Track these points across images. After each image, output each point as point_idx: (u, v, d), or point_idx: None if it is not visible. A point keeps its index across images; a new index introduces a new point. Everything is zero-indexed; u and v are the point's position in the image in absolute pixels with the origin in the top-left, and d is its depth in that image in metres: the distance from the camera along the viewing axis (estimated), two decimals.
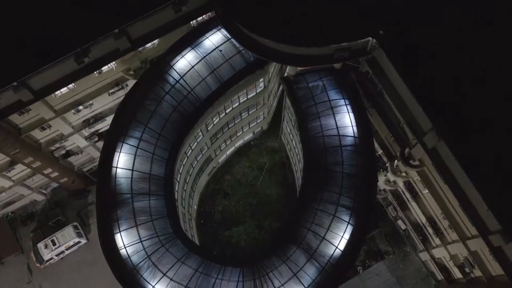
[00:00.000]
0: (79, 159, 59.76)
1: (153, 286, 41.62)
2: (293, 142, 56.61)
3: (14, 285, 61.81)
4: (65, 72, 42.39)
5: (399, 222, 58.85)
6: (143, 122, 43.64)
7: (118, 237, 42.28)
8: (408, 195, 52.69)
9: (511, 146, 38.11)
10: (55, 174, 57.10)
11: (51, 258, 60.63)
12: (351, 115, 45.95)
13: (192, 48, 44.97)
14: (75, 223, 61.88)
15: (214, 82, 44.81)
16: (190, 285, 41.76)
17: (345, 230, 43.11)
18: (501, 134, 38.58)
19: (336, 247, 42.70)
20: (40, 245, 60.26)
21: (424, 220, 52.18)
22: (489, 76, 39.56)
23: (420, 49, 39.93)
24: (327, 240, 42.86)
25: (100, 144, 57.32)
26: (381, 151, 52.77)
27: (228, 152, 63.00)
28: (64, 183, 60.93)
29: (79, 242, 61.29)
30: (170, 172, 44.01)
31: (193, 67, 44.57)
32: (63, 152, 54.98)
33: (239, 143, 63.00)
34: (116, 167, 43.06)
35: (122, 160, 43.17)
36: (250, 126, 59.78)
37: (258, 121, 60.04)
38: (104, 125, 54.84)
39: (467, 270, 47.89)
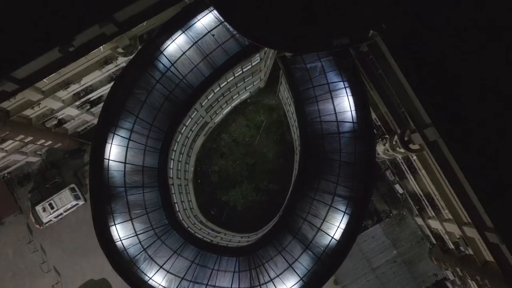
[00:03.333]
0: (72, 123, 58.28)
1: (150, 278, 42.21)
2: (290, 107, 54.88)
3: (15, 245, 63.00)
4: (50, 59, 40.20)
5: (397, 186, 58.44)
6: (133, 112, 42.08)
7: (113, 230, 42.37)
8: (406, 167, 51.86)
9: None
10: (49, 142, 56.07)
11: (50, 220, 61.14)
12: (350, 98, 44.01)
13: (183, 32, 42.27)
14: (72, 185, 61.71)
15: (207, 68, 42.65)
16: (186, 277, 42.36)
17: (341, 220, 42.92)
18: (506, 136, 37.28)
19: (332, 238, 42.71)
20: (39, 208, 60.59)
21: (421, 193, 51.77)
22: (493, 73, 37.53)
23: (424, 46, 37.51)
24: (323, 231, 42.78)
25: (93, 110, 55.93)
26: (380, 123, 51.20)
27: (225, 112, 61.35)
28: (59, 147, 60.02)
29: (77, 204, 61.49)
30: (164, 162, 43.08)
31: (184, 53, 42.20)
32: (55, 122, 53.43)
33: (235, 103, 61.17)
34: (108, 159, 42.13)
35: (114, 152, 42.15)
36: (247, 89, 57.79)
37: (254, 84, 57.95)
38: (95, 94, 52.91)
39: (462, 248, 48.10)
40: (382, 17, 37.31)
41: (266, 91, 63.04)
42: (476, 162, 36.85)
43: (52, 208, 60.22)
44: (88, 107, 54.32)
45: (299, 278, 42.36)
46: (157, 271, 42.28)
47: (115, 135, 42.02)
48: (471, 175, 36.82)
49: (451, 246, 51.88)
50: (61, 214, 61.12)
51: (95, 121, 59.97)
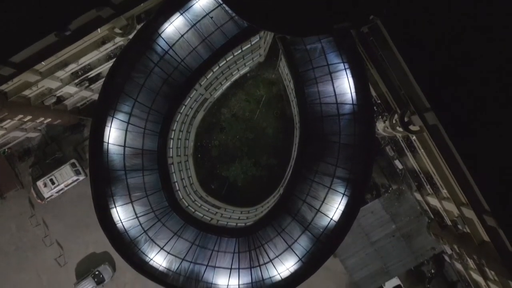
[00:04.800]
0: (71, 100, 57.95)
1: (151, 259, 42.90)
2: (290, 82, 54.41)
3: (18, 219, 63.85)
4: (47, 43, 39.90)
5: (396, 161, 58.46)
6: (132, 96, 41.85)
7: (114, 212, 42.85)
8: (406, 145, 51.77)
9: None
10: (48, 119, 56.04)
11: (51, 195, 61.71)
12: (351, 80, 43.32)
13: (181, 14, 41.51)
14: (72, 161, 62.09)
15: (206, 51, 42.19)
16: (187, 258, 43.02)
17: (340, 202, 43.10)
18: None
19: (331, 219, 43.03)
20: (39, 184, 61.16)
21: (420, 171, 51.87)
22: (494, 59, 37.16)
23: (426, 32, 36.99)
24: (322, 213, 43.08)
25: (92, 86, 55.60)
26: (380, 101, 50.83)
27: (224, 87, 60.93)
28: (59, 123, 60.01)
29: (78, 179, 61.95)
30: (163, 146, 43.17)
31: (182, 36, 41.63)
32: (54, 100, 53.23)
33: (235, 78, 60.68)
34: (108, 143, 42.14)
35: (113, 136, 42.15)
36: (246, 65, 57.27)
37: (254, 59, 57.40)
38: (94, 72, 52.48)
39: (459, 226, 48.51)
40: (383, 2, 36.74)
41: (265, 65, 62.29)
42: (476, 149, 36.88)
43: (53, 183, 60.83)
44: (87, 84, 54.04)
45: (298, 259, 42.96)
46: (158, 252, 42.91)
47: (114, 119, 41.93)
48: (471, 161, 36.95)
49: (449, 223, 52.32)
50: (62, 189, 61.75)
51: (94, 97, 59.87)
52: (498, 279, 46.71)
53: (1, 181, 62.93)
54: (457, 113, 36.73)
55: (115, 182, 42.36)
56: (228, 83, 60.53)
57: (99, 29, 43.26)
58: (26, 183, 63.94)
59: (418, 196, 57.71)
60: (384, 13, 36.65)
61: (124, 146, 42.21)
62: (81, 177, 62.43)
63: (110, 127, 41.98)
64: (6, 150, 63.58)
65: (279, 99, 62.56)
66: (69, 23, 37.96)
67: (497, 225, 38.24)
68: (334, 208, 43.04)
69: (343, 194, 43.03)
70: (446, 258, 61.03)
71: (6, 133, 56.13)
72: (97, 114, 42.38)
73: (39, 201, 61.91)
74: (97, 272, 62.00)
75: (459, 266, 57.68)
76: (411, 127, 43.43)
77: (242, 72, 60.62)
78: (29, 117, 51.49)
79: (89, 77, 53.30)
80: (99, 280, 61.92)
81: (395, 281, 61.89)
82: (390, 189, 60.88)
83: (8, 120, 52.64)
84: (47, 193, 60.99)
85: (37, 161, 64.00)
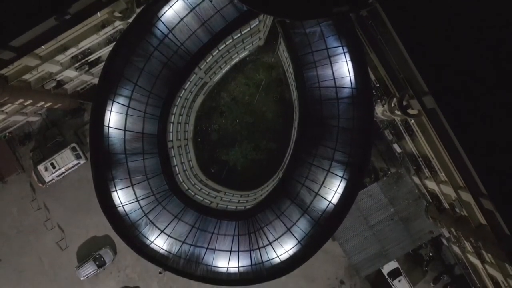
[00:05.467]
0: (71, 84, 58.09)
1: (152, 242, 43.36)
2: (289, 66, 54.49)
3: (19, 202, 64.31)
4: (47, 27, 39.85)
5: (395, 145, 58.72)
6: (132, 80, 42.03)
7: (115, 195, 43.22)
8: (404, 129, 52.02)
9: None
10: (49, 104, 56.19)
11: (52, 179, 62.07)
12: (349, 64, 43.54)
13: None
14: (73, 145, 62.38)
15: (205, 34, 42.31)
16: (187, 241, 43.46)
17: (338, 185, 43.49)
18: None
19: (330, 202, 43.45)
20: (40, 168, 61.54)
21: (418, 154, 52.17)
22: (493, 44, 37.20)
23: (425, 16, 37.02)
24: (321, 196, 43.47)
25: (92, 70, 55.65)
26: (379, 84, 50.98)
27: (224, 71, 61.02)
28: (59, 107, 60.16)
29: (78, 163, 62.28)
30: (163, 130, 43.41)
31: (182, 19, 41.72)
32: (54, 84, 53.38)
33: (234, 61, 60.76)
34: (108, 126, 42.40)
35: (114, 120, 42.40)
36: (245, 48, 57.36)
37: (253, 43, 57.46)
38: (94, 56, 52.56)
39: (457, 210, 48.94)
40: None
41: (265, 49, 62.25)
42: (474, 132, 37.10)
43: (54, 167, 61.24)
44: (87, 68, 54.05)
45: (297, 242, 43.44)
46: (159, 235, 43.36)
47: (114, 103, 42.16)
48: (468, 145, 37.14)
49: (447, 206, 52.73)
50: (63, 173, 62.09)
51: (94, 81, 59.95)
52: (495, 262, 47.27)
53: (2, 165, 63.33)
54: (455, 97, 36.87)
55: (116, 165, 42.68)
56: (227, 67, 60.59)
57: (98, 13, 43.24)
58: (27, 167, 64.34)
59: (416, 179, 58.06)
60: None
61: (125, 130, 42.47)
62: (82, 161, 62.81)
63: (111, 111, 42.24)
64: (7, 134, 63.85)
65: (278, 83, 62.65)
66: (69, 7, 37.98)
67: (494, 208, 38.53)
68: (333, 191, 43.44)
69: (342, 178, 43.42)
70: (444, 241, 61.61)
71: (7, 117, 56.35)
72: (98, 98, 42.59)
73: (40, 185, 62.33)
74: (98, 256, 62.64)
75: (456, 249, 58.21)
76: (410, 111, 43.54)
77: (242, 56, 60.68)
78: (29, 101, 51.64)
79: (89, 61, 53.33)
80: (100, 263, 62.61)
81: (393, 264, 62.51)
82: (389, 172, 61.31)
83: (9, 104, 52.86)
84: (48, 177, 61.41)
85: (37, 145, 64.34)
